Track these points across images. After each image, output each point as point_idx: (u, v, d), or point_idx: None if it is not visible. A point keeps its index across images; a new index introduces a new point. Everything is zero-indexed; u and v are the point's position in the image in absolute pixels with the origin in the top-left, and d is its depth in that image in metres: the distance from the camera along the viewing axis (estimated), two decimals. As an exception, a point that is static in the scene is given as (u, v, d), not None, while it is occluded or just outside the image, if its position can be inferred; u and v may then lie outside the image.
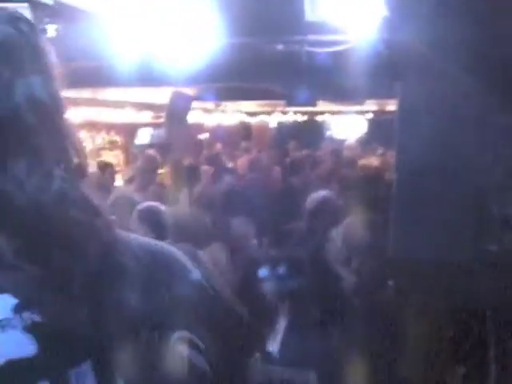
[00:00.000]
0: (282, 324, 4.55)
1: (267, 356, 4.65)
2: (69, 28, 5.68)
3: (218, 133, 16.20)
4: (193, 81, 8.24)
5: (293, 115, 16.54)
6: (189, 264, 1.52)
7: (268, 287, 4.44)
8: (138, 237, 1.47)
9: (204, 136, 16.23)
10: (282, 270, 4.45)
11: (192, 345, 1.42)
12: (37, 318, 1.21)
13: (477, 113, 2.91)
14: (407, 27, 2.54)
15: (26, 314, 1.21)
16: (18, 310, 1.21)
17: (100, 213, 1.31)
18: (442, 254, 2.85)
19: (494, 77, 2.41)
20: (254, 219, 6.38)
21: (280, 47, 6.54)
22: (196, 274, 1.50)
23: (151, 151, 9.97)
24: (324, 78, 7.85)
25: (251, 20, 5.64)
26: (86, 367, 1.26)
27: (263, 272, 4.59)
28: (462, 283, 2.93)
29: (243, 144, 13.47)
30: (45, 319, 1.22)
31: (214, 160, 10.46)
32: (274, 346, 4.58)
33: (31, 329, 1.21)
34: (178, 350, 1.38)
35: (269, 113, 16.56)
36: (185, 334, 1.40)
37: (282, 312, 4.51)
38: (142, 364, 1.32)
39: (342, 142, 14.72)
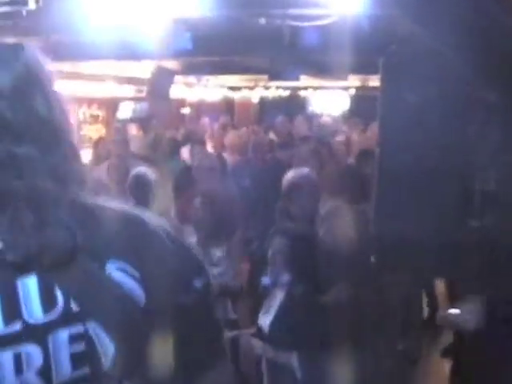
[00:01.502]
0: (276, 299, 4.54)
1: (257, 331, 4.67)
2: (50, 1, 5.62)
3: (200, 107, 16.18)
4: (175, 55, 8.19)
5: (275, 90, 16.51)
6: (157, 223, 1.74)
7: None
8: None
9: (186, 110, 16.18)
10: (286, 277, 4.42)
11: (128, 273, 1.62)
12: None
13: (462, 89, 2.89)
14: (392, 2, 2.52)
15: None
16: None
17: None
18: (424, 230, 2.85)
19: (481, 54, 2.39)
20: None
21: (263, 21, 6.50)
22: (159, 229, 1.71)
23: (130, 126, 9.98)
24: (307, 53, 7.83)
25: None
26: (32, 280, 1.53)
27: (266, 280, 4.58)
28: (444, 259, 2.93)
29: (224, 119, 13.42)
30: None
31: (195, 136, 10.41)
32: (264, 321, 4.59)
33: None
34: (114, 276, 1.60)
35: (251, 88, 16.52)
36: (122, 263, 1.62)
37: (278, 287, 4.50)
38: (80, 287, 1.56)
39: (324, 116, 14.70)
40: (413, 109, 2.91)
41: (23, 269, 1.52)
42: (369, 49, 6.26)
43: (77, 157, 1.68)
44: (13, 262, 1.52)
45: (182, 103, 16.00)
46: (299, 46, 7.12)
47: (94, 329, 1.58)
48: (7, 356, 1.52)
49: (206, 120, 13.34)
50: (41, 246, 1.51)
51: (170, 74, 11.61)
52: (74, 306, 1.55)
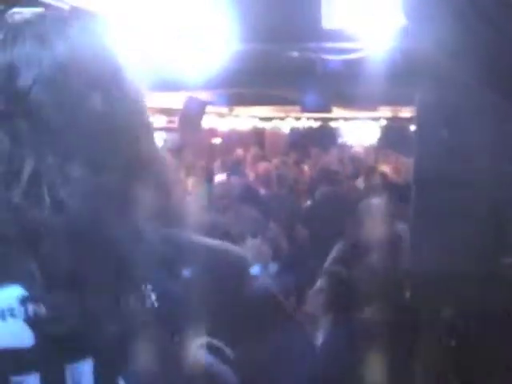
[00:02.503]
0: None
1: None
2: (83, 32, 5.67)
3: (231, 138, 16.21)
4: (207, 86, 8.23)
5: (306, 121, 16.51)
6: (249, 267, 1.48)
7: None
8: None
9: (217, 140, 16.23)
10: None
11: (216, 352, 1.33)
12: (40, 310, 1.15)
13: (494, 123, 2.89)
14: (424, 36, 2.52)
15: (31, 307, 1.16)
16: (23, 301, 1.16)
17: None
18: (458, 267, 2.84)
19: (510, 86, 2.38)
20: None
21: (295, 54, 6.53)
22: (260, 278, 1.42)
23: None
24: (338, 85, 7.86)
25: (267, 26, 5.63)
26: (86, 366, 1.18)
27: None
28: (478, 296, 2.91)
29: (255, 150, 13.46)
30: (49, 313, 1.16)
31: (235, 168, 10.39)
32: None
33: (32, 321, 1.15)
34: (198, 356, 1.26)
35: (282, 118, 16.53)
36: (210, 340, 1.30)
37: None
38: (151, 370, 1.19)
39: (354, 147, 14.71)
40: (448, 145, 2.91)
41: (72, 348, 1.18)
42: (400, 81, 6.27)
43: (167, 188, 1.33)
44: (56, 336, 1.16)
45: (213, 133, 16.06)
46: (331, 78, 7.14)
47: None
48: None
49: (239, 151, 13.39)
50: (99, 312, 1.15)
51: (202, 104, 11.65)
52: None
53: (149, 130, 1.39)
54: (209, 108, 12.45)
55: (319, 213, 7.40)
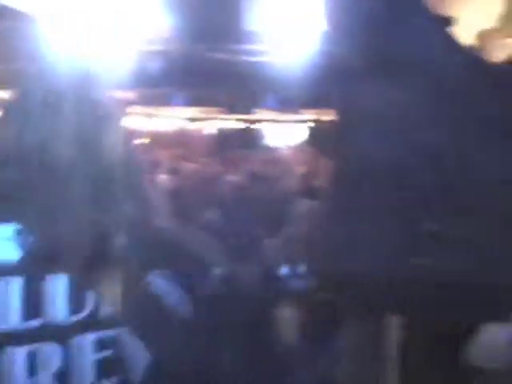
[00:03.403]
0: None
1: None
2: (10, 29, 5.63)
3: (156, 138, 16.16)
4: (132, 86, 8.22)
5: (233, 122, 16.57)
6: None
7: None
8: None
9: (143, 141, 16.17)
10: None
11: (171, 282, 1.64)
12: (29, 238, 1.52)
13: (411, 128, 2.95)
14: (344, 41, 2.57)
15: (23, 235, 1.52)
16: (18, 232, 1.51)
17: None
18: (375, 268, 2.89)
19: (426, 93, 2.46)
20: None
21: (219, 55, 6.57)
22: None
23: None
24: (260, 87, 7.90)
25: (191, 27, 5.66)
26: (62, 280, 1.49)
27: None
28: (394, 297, 2.97)
29: (178, 151, 13.45)
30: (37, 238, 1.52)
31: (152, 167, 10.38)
32: None
33: (22, 243, 1.51)
34: (158, 285, 1.61)
35: (207, 119, 16.57)
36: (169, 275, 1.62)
37: None
38: (116, 292, 1.53)
39: (279, 149, 14.79)
40: (366, 145, 2.95)
41: (53, 265, 1.50)
42: (323, 85, 6.33)
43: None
44: (43, 256, 1.51)
45: (138, 134, 16.00)
46: (252, 79, 7.19)
47: (127, 336, 1.52)
48: (20, 353, 1.45)
49: (159, 152, 13.36)
50: (74, 242, 1.49)
51: (123, 104, 11.62)
52: (107, 311, 1.52)
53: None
54: (133, 108, 12.42)
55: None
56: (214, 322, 1.67)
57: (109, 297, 1.54)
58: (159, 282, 1.56)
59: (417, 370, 4.56)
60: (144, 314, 1.57)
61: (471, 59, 2.41)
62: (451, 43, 2.40)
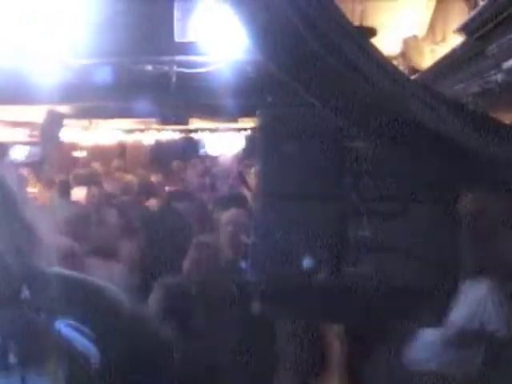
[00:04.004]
0: None
1: None
2: None
3: (93, 151, 16.09)
4: (66, 99, 8.19)
5: (168, 133, 16.55)
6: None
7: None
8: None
9: (79, 154, 16.08)
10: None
11: (82, 332, 1.62)
12: None
13: (335, 137, 3.01)
14: (263, 52, 2.61)
15: None
16: None
17: None
18: (302, 277, 2.95)
19: (348, 105, 2.51)
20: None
21: (149, 67, 6.61)
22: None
23: (22, 170, 9.88)
24: (193, 97, 7.95)
25: (123, 41, 5.68)
26: None
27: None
28: (321, 305, 3.04)
29: (116, 162, 13.44)
30: None
31: (88, 179, 10.32)
32: None
33: None
34: (64, 332, 1.58)
35: (143, 130, 16.52)
36: (76, 323, 1.61)
37: None
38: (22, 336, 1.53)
39: (217, 158, 14.85)
40: (290, 159, 3.00)
41: None
42: (255, 92, 6.42)
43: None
44: None
45: (75, 147, 15.90)
46: (186, 90, 7.23)
47: (35, 382, 1.52)
48: None
49: (96, 164, 13.32)
50: None
51: (61, 117, 11.57)
52: (12, 357, 1.50)
53: None
54: (69, 121, 12.35)
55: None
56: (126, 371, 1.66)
57: (15, 342, 1.56)
58: (66, 330, 1.56)
59: (358, 377, 4.65)
60: (51, 361, 1.58)
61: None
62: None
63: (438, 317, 3.00)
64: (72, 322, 1.61)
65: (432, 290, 2.86)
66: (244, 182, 9.42)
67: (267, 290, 3.11)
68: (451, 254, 2.89)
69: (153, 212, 8.08)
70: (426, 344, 4.70)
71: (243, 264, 5.19)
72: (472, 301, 4.64)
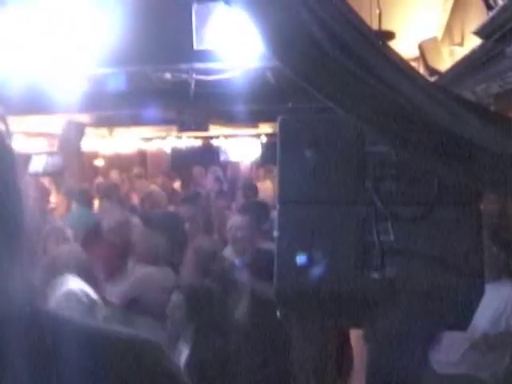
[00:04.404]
0: None
1: None
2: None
3: (113, 159, 16.14)
4: (85, 108, 8.23)
5: (187, 140, 16.58)
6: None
7: None
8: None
9: (99, 163, 16.14)
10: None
11: None
12: None
13: (356, 142, 3.03)
14: (280, 59, 2.62)
15: None
16: None
17: None
18: (326, 284, 2.95)
19: (366, 107, 2.53)
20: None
21: (168, 75, 6.63)
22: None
23: (43, 180, 9.93)
24: (213, 104, 7.97)
25: (141, 49, 5.70)
26: None
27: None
28: (347, 312, 3.04)
29: (137, 170, 13.47)
30: None
31: (110, 191, 10.30)
32: None
33: None
34: None
35: (163, 138, 16.56)
36: None
37: None
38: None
39: (235, 164, 14.86)
40: (311, 165, 3.00)
41: None
42: (275, 98, 6.44)
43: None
44: None
45: (94, 156, 15.96)
46: (205, 97, 7.25)
47: None
48: None
49: (114, 173, 13.34)
50: None
51: (80, 127, 11.63)
52: None
53: None
54: (89, 130, 12.41)
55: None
56: None
57: None
58: None
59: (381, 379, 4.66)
60: None
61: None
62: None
63: (463, 320, 3.00)
64: None
65: (456, 292, 2.86)
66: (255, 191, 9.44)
67: (292, 296, 3.12)
68: (475, 257, 2.88)
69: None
70: (453, 347, 4.70)
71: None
72: (497, 303, 4.63)
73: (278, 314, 3.10)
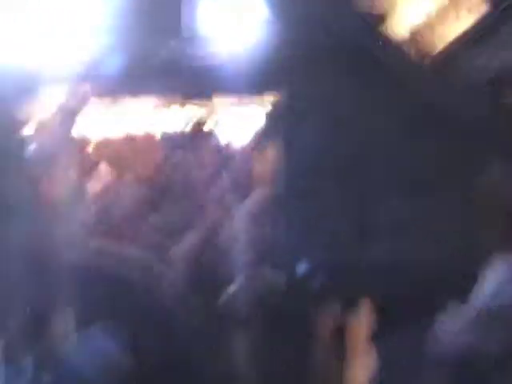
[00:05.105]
0: None
1: None
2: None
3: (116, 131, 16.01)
4: (87, 79, 8.17)
5: (190, 112, 16.48)
6: None
7: None
8: None
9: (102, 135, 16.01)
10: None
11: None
12: None
13: (355, 114, 3.03)
14: (287, 30, 2.62)
15: None
16: None
17: None
18: (330, 258, 2.97)
19: (373, 76, 2.52)
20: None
21: (171, 46, 6.59)
22: None
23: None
24: (215, 76, 7.90)
25: (137, 24, 5.67)
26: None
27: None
28: (347, 282, 3.07)
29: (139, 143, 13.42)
30: None
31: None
32: None
33: None
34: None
35: (165, 110, 16.46)
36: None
37: None
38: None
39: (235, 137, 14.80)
40: (315, 134, 3.01)
41: None
42: (273, 75, 6.38)
43: None
44: None
45: (97, 127, 15.83)
46: (207, 69, 7.20)
47: None
48: None
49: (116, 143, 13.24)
50: None
51: (85, 98, 11.57)
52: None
53: None
54: (92, 100, 12.34)
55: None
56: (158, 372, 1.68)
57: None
58: (98, 335, 1.57)
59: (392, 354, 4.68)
60: (91, 366, 1.57)
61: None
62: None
63: (468, 290, 3.02)
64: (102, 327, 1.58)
65: (460, 265, 2.87)
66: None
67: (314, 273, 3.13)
68: (477, 231, 2.89)
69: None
70: (458, 317, 4.71)
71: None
72: (502, 273, 4.65)
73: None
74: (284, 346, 4.56)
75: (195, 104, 15.64)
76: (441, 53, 5.10)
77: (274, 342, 4.58)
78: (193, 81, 9.27)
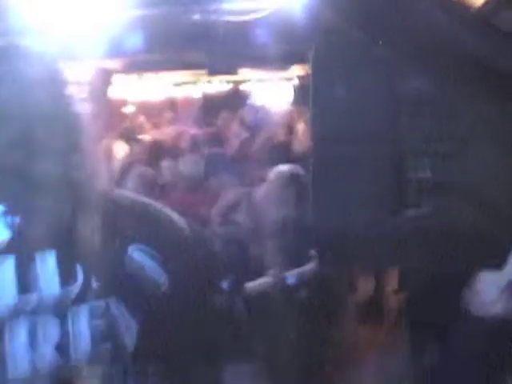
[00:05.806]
0: None
1: None
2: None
3: (142, 105, 16.03)
4: (113, 54, 8.12)
5: (218, 84, 16.43)
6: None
7: None
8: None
9: (128, 109, 16.03)
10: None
11: (150, 255, 1.71)
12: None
13: (389, 80, 2.92)
14: None
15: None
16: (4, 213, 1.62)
17: None
18: (360, 221, 2.87)
19: (409, 46, 2.41)
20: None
21: (196, 17, 6.50)
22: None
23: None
24: (242, 46, 7.81)
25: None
26: (51, 255, 1.60)
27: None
28: (380, 249, 2.96)
29: (167, 115, 13.39)
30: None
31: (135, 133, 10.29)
32: None
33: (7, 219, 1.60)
34: (136, 257, 1.68)
35: (193, 82, 16.43)
36: (144, 247, 1.69)
37: None
38: (102, 264, 1.64)
39: (266, 107, 14.73)
40: (343, 100, 2.92)
41: (41, 244, 1.62)
42: (303, 40, 6.25)
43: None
44: (31, 237, 1.61)
45: (123, 103, 15.84)
46: (234, 39, 7.11)
47: (116, 306, 1.67)
48: (21, 327, 1.56)
49: (142, 117, 13.29)
50: (55, 218, 1.63)
51: (109, 74, 11.56)
52: (95, 283, 1.65)
53: None
54: (118, 76, 12.32)
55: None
56: (192, 292, 1.75)
57: (95, 268, 1.64)
58: (138, 255, 1.66)
59: (417, 325, 4.58)
60: (127, 286, 1.68)
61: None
62: None
63: (499, 259, 2.91)
64: (142, 246, 1.71)
65: (493, 231, 2.76)
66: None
67: (326, 236, 3.04)
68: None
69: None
70: (488, 287, 4.58)
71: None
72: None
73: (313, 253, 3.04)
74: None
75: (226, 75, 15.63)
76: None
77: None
78: (222, 53, 9.21)
